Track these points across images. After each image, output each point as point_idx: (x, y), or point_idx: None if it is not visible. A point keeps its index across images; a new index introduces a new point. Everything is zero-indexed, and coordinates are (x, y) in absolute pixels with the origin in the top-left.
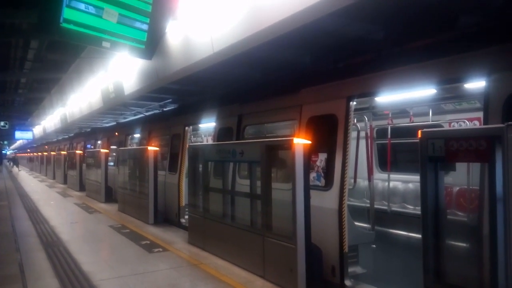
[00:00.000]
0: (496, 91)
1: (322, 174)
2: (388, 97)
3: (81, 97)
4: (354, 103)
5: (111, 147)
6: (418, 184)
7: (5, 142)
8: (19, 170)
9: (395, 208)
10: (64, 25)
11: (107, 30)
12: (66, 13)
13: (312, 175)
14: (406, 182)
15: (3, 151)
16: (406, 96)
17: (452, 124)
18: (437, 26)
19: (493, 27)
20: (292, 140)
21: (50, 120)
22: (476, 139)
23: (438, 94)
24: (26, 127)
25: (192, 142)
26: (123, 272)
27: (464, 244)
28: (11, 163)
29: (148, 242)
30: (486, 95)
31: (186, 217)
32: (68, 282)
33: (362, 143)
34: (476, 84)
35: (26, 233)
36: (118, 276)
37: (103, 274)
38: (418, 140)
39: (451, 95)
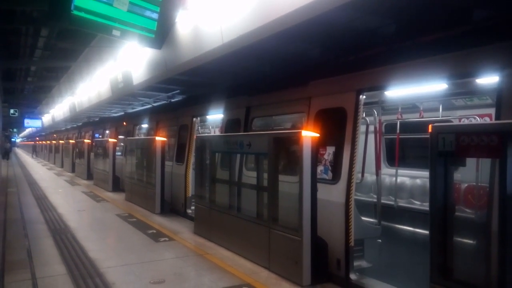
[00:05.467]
0: (509, 86)
1: (330, 168)
2: (398, 91)
3: (90, 86)
4: (364, 96)
5: (119, 137)
6: (426, 180)
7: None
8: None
9: (402, 203)
10: (75, 12)
11: (117, 18)
12: (77, 0)
13: (320, 168)
14: (413, 177)
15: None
16: (416, 91)
17: (463, 120)
18: (450, 19)
19: (507, 21)
20: (300, 132)
21: (59, 109)
22: (488, 134)
23: (449, 90)
24: (35, 115)
25: (199, 133)
26: (129, 260)
27: (471, 241)
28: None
29: (155, 231)
30: (498, 90)
31: (193, 207)
32: (75, 268)
33: (371, 137)
34: (488, 80)
35: (35, 220)
36: (124, 264)
37: (109, 262)
38: (427, 136)
39: (462, 91)
